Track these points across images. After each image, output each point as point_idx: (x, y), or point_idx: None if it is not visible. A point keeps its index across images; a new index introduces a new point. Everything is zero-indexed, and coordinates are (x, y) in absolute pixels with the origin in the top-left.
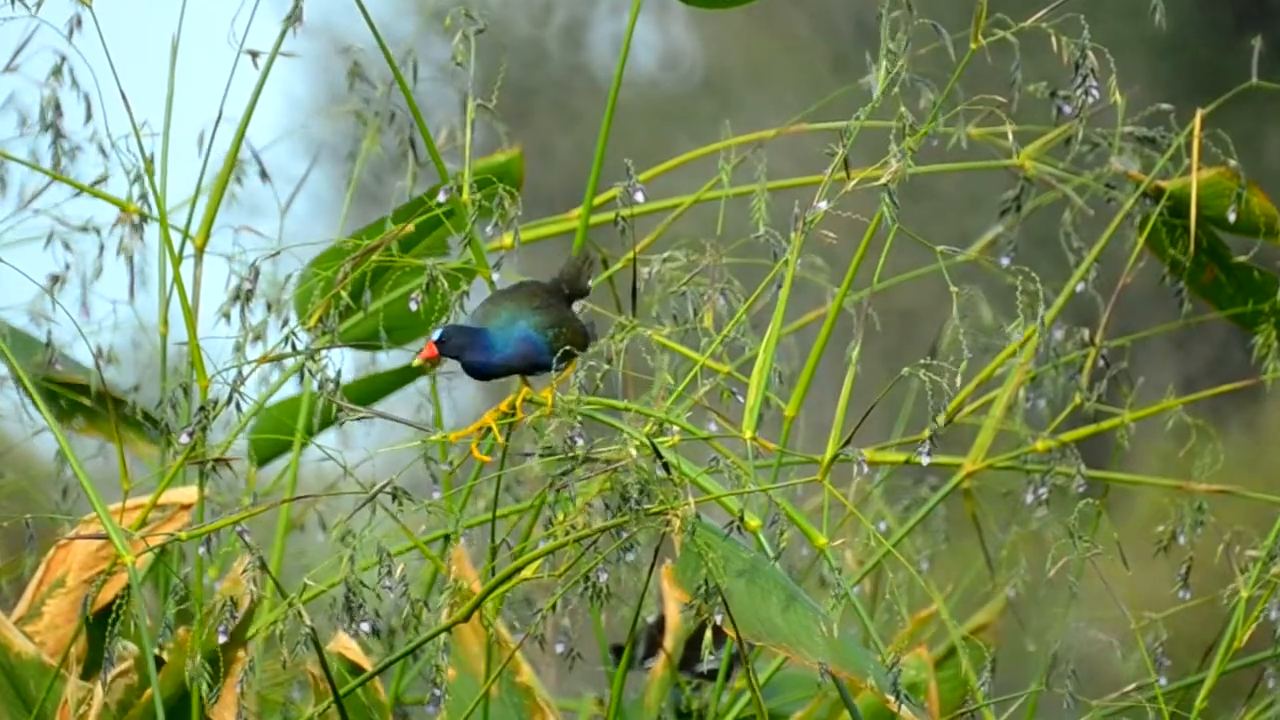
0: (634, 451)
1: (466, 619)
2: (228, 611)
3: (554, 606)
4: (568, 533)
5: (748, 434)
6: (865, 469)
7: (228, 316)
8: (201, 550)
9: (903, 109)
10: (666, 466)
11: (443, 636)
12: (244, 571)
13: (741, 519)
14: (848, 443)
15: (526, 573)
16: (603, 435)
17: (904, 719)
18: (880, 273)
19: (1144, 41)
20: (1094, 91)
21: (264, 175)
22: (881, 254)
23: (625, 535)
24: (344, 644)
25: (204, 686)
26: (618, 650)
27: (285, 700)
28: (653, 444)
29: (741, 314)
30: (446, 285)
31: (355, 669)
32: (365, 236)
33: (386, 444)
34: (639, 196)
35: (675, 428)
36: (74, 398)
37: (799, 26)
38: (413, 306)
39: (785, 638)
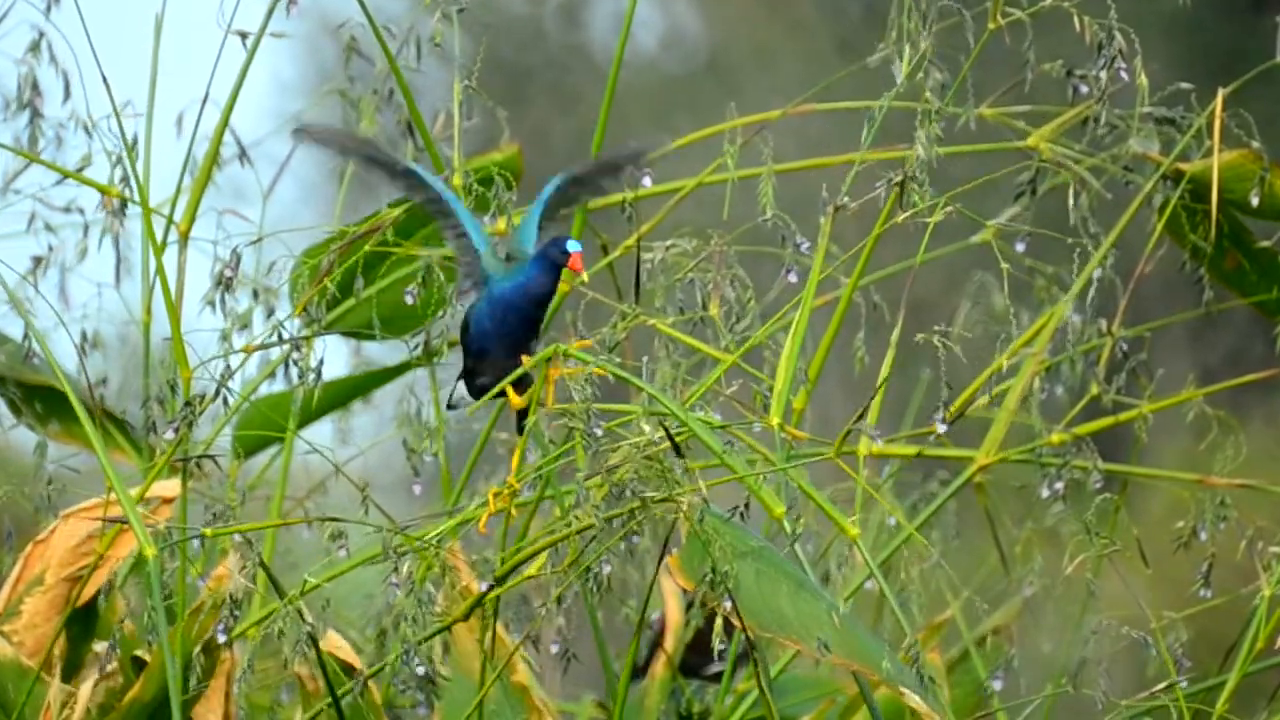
0: (649, 430)
1: (466, 618)
2: (227, 610)
3: (558, 600)
4: (569, 525)
5: (775, 421)
6: (879, 441)
7: (212, 304)
8: (194, 546)
9: (928, 94)
10: (679, 450)
11: (437, 639)
12: (243, 570)
13: (748, 506)
14: (861, 416)
15: (530, 570)
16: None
17: (919, 710)
18: (898, 261)
19: (1159, 21)
20: (1123, 73)
21: (244, 158)
22: (893, 241)
23: (628, 525)
24: (335, 644)
25: (182, 687)
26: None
27: (273, 703)
28: (665, 428)
29: (774, 323)
30: (443, 277)
31: (347, 669)
32: (360, 225)
33: (376, 440)
34: (646, 180)
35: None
36: (51, 398)
37: (804, 8)
38: (409, 300)
39: (795, 630)
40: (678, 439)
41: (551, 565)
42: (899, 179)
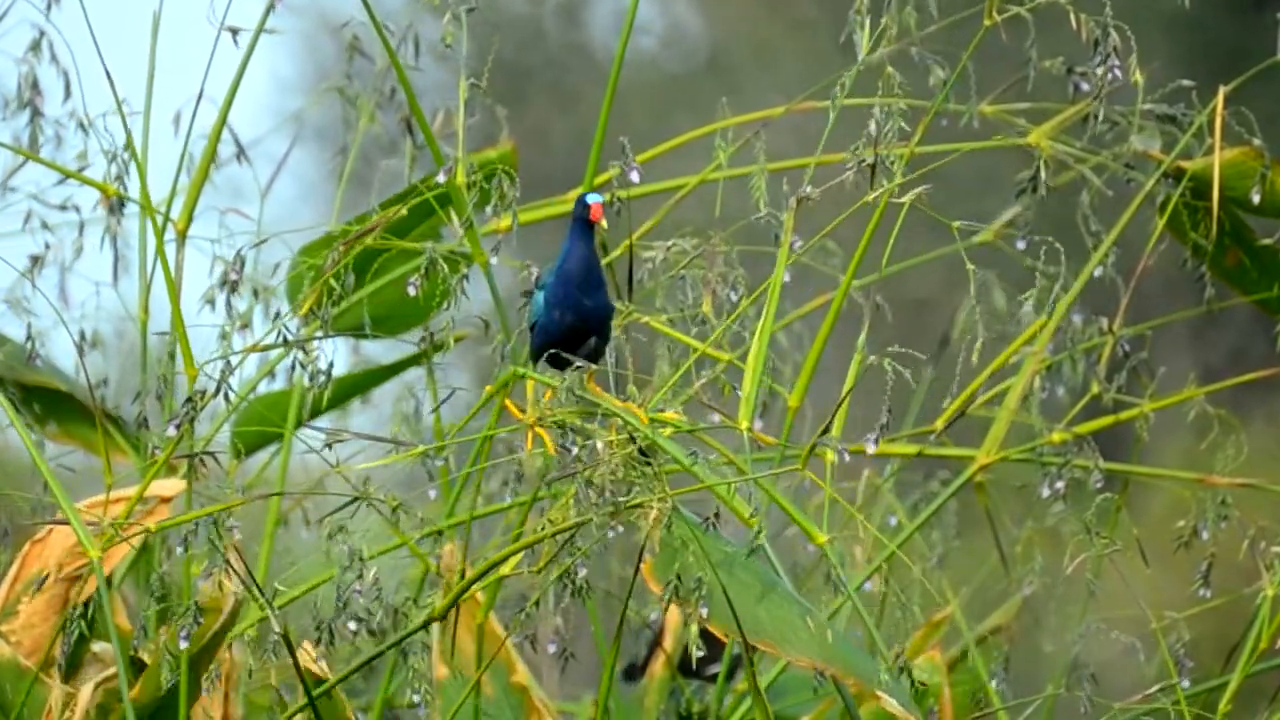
0: (632, 438)
1: (443, 616)
2: (191, 616)
3: (536, 603)
4: (543, 528)
5: (744, 425)
6: (847, 458)
7: (212, 303)
8: (179, 547)
9: (890, 69)
10: (646, 456)
11: (424, 637)
12: (214, 572)
13: (718, 514)
14: (825, 430)
15: (505, 569)
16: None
17: (895, 713)
18: (890, 257)
19: (1160, 19)
20: (1117, 70)
21: (241, 155)
22: (893, 238)
23: (602, 531)
24: (307, 656)
25: (180, 689)
26: (630, 670)
27: (272, 703)
28: (632, 432)
29: (746, 305)
30: (446, 270)
31: (318, 682)
32: (358, 224)
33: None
34: (634, 176)
35: (669, 418)
36: (50, 399)
37: (805, 6)
38: (411, 291)
39: (769, 634)
40: (648, 445)
41: (528, 565)
42: (869, 162)
